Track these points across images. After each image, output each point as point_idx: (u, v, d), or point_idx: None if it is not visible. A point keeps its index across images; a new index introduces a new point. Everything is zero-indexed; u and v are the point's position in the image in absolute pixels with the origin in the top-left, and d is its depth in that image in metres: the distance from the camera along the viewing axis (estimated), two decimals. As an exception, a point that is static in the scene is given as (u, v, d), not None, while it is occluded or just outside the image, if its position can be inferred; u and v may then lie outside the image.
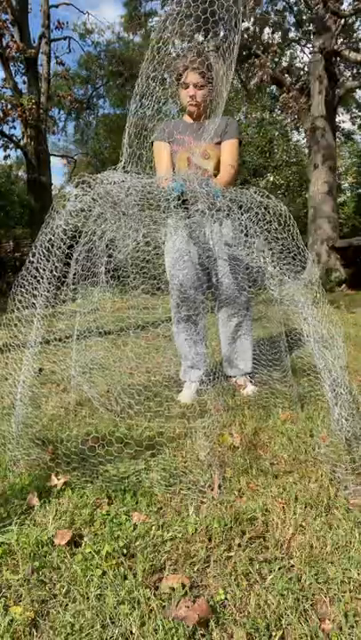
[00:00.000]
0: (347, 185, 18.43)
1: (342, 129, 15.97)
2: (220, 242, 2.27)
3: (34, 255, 1.63)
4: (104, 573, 1.09)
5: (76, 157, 20.39)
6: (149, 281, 2.00)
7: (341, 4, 9.05)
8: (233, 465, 1.59)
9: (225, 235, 2.23)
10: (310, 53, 10.57)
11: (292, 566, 1.11)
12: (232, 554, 1.15)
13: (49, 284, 1.64)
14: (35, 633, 0.95)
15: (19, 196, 13.86)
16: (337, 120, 11.87)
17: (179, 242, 2.25)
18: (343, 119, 15.62)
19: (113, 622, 0.95)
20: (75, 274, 1.85)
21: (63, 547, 1.18)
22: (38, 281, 1.63)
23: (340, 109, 13.67)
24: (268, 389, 2.25)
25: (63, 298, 1.83)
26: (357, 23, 10.93)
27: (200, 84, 2.25)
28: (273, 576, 1.07)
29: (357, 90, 11.74)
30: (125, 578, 1.07)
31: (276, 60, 11.87)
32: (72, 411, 2.20)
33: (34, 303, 1.65)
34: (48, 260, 1.62)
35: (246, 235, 1.74)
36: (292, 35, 12.72)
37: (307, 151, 11.21)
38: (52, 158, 14.15)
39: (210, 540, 1.20)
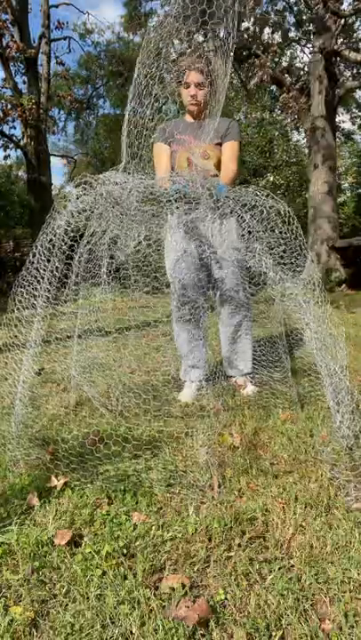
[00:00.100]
0: (347, 185, 18.43)
1: (342, 129, 15.98)
2: (221, 242, 2.27)
3: (34, 255, 1.63)
4: (104, 573, 1.09)
5: (76, 157, 20.40)
6: (151, 282, 2.01)
7: (341, 3, 9.06)
8: (233, 465, 1.59)
9: (226, 234, 2.24)
10: (310, 53, 10.57)
11: (292, 566, 1.11)
12: (232, 554, 1.15)
13: (49, 284, 1.64)
14: (35, 633, 0.95)
15: (19, 196, 13.86)
16: (337, 120, 11.88)
17: (179, 242, 2.25)
18: (343, 119, 15.65)
19: (113, 622, 0.95)
20: (77, 274, 1.85)
21: (63, 547, 1.18)
22: (38, 281, 1.63)
23: (341, 109, 13.67)
24: (269, 389, 2.25)
25: (64, 298, 1.83)
26: (357, 23, 10.95)
27: (201, 84, 2.26)
28: (273, 576, 1.07)
29: (357, 90, 11.75)
30: (125, 578, 1.07)
31: (276, 60, 11.87)
32: (72, 411, 2.20)
33: (34, 304, 1.65)
34: (49, 261, 1.62)
35: (250, 232, 1.74)
36: (292, 35, 12.73)
37: (307, 151, 11.21)
38: (52, 158, 14.17)
39: (210, 540, 1.20)
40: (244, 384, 2.43)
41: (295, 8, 12.21)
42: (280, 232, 1.71)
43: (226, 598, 1.01)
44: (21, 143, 12.14)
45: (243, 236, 2.03)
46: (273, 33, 11.53)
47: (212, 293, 2.42)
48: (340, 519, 1.26)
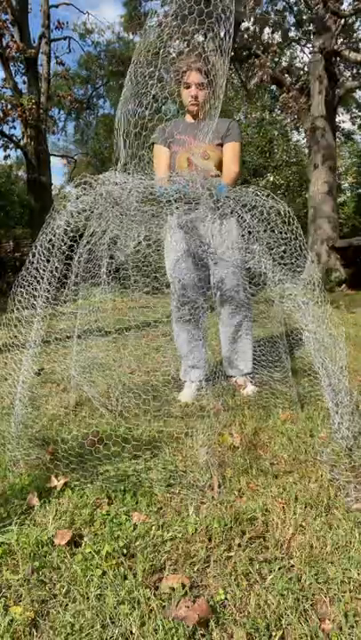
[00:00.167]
0: (347, 185, 18.43)
1: (342, 129, 15.97)
2: (221, 242, 2.27)
3: (34, 255, 1.63)
4: (104, 573, 1.09)
5: (76, 157, 20.40)
6: (151, 283, 2.01)
7: (341, 3, 9.06)
8: (233, 465, 1.59)
9: (226, 234, 2.23)
10: (310, 53, 10.57)
11: (292, 566, 1.11)
12: (232, 554, 1.15)
13: (49, 284, 1.64)
14: (35, 633, 0.95)
15: (19, 196, 13.85)
16: (337, 120, 11.88)
17: (179, 242, 2.25)
18: (343, 119, 15.64)
19: (113, 622, 0.95)
20: (76, 274, 1.85)
21: (63, 547, 1.18)
22: (38, 281, 1.63)
23: (341, 109, 13.67)
24: (269, 389, 2.25)
25: (64, 298, 1.83)
26: (357, 23, 10.94)
27: (202, 84, 2.26)
28: (273, 576, 1.07)
29: (357, 90, 11.74)
30: (125, 578, 1.07)
31: (276, 59, 11.87)
32: (72, 411, 2.20)
33: (33, 304, 1.65)
34: (48, 261, 1.62)
35: (250, 233, 1.74)
36: (292, 35, 12.73)
37: (307, 151, 11.21)
38: (52, 158, 14.17)
39: (210, 539, 1.20)
40: (245, 384, 2.43)
41: (295, 8, 12.21)
42: (280, 232, 1.72)
43: (226, 598, 1.01)
44: (21, 143, 12.14)
45: (243, 236, 2.03)
46: (273, 33, 11.53)
47: (212, 293, 2.42)
48: (340, 519, 1.26)
